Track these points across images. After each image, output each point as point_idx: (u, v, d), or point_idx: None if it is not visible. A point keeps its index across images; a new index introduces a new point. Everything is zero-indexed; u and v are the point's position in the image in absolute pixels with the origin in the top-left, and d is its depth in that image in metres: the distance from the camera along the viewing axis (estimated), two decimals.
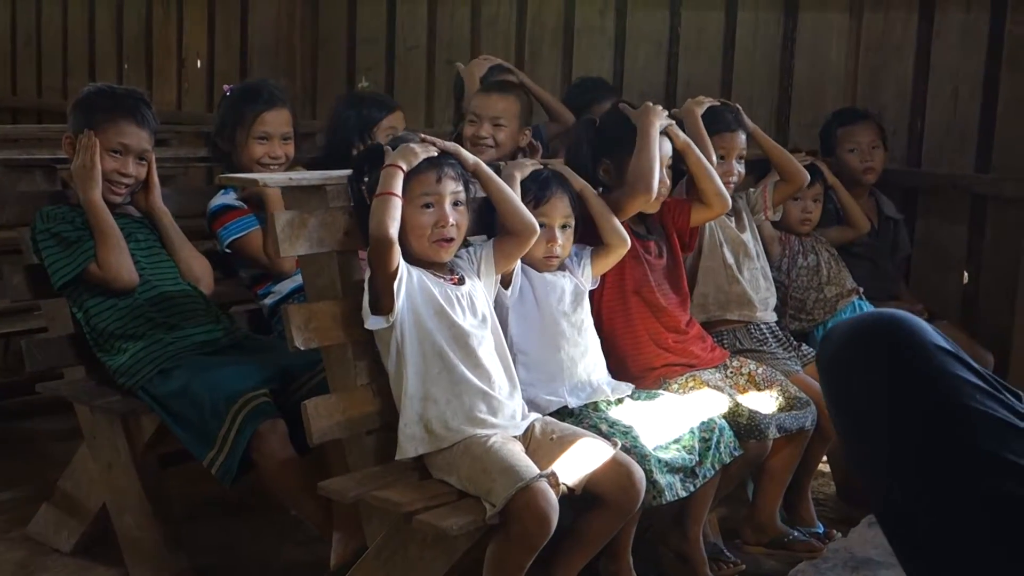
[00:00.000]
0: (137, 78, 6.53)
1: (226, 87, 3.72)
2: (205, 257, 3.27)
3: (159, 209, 3.20)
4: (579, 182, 2.99)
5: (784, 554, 3.24)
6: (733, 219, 3.53)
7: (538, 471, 2.41)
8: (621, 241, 2.98)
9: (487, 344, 2.62)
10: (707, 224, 3.40)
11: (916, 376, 1.51)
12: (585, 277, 2.95)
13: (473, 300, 2.65)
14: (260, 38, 5.90)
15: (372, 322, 2.54)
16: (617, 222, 2.97)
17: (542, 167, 2.96)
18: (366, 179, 2.64)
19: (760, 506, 3.28)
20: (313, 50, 5.83)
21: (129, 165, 3.10)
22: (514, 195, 2.75)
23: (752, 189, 3.67)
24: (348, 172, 2.70)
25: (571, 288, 2.91)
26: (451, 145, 2.74)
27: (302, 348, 2.55)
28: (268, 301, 3.41)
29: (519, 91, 3.84)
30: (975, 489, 1.45)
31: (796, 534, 3.29)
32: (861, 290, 3.80)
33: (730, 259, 3.47)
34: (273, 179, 2.87)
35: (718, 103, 3.46)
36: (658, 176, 3.01)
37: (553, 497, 2.38)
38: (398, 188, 2.54)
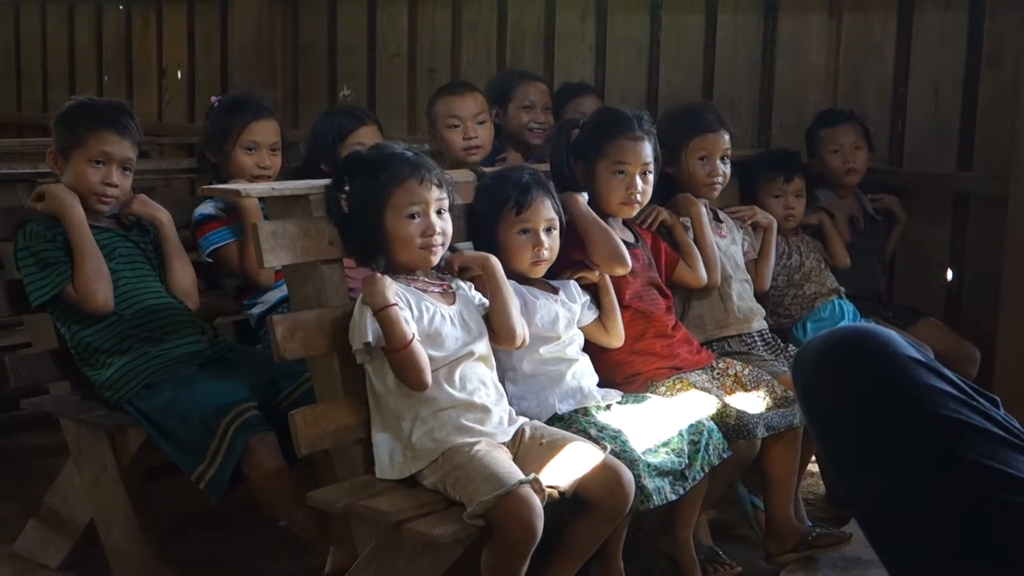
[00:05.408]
0: (117, 90, 6.49)
1: (213, 98, 3.72)
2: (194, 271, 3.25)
3: (164, 215, 3.20)
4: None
5: (816, 552, 3.14)
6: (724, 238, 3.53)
7: (521, 477, 2.40)
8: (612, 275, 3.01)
9: (476, 356, 2.63)
10: None
11: (890, 388, 1.51)
12: (576, 318, 2.94)
13: (464, 318, 2.65)
14: (240, 48, 5.88)
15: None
16: (612, 242, 2.98)
17: (525, 171, 2.95)
18: (347, 188, 2.63)
19: (773, 516, 3.19)
20: (294, 59, 5.80)
21: (113, 174, 3.06)
22: (511, 309, 2.69)
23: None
24: (329, 182, 2.70)
25: (565, 315, 2.90)
26: (469, 256, 2.75)
27: (288, 359, 2.55)
28: (255, 311, 3.40)
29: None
30: (959, 497, 1.44)
31: (819, 530, 3.19)
32: (843, 290, 3.81)
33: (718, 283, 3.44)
34: (254, 189, 2.87)
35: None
36: (601, 259, 2.99)
37: (536, 502, 2.37)
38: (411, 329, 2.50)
